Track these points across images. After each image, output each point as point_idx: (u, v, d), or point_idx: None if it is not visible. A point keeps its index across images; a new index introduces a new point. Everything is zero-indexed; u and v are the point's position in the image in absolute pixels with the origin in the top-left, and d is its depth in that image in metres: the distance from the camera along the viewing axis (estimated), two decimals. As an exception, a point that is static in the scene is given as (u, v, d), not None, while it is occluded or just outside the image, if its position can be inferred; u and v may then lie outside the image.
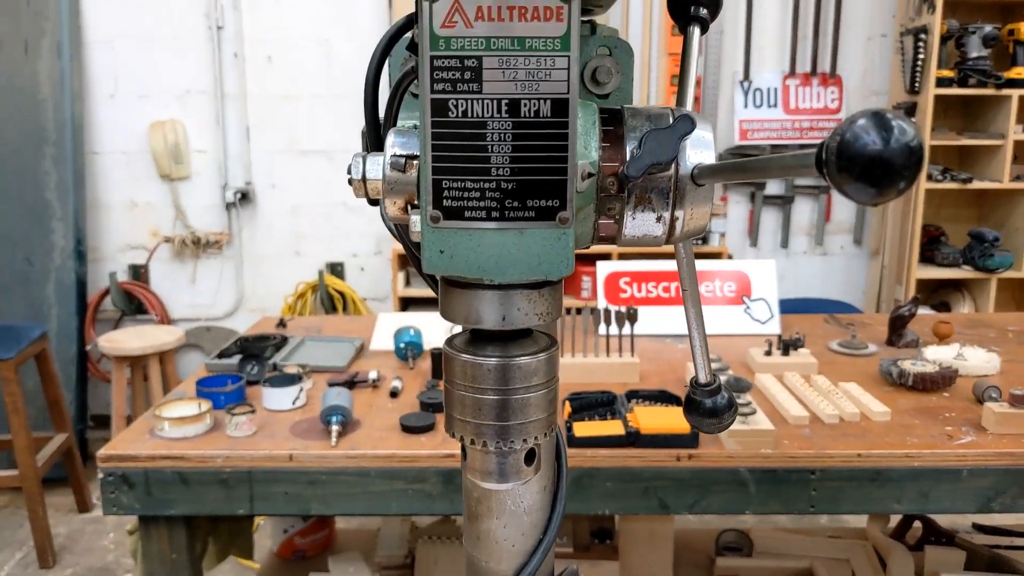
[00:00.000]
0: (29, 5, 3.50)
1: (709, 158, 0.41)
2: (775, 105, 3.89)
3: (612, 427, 1.53)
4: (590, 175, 0.40)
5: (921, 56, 3.48)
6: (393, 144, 0.42)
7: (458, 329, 0.45)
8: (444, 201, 0.39)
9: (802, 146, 3.87)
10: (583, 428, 1.53)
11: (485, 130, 0.38)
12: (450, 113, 0.38)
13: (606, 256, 3.59)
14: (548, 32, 0.36)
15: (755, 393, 1.73)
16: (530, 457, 0.44)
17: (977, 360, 1.87)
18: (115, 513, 1.55)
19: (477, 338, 0.44)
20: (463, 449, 0.44)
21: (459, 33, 0.36)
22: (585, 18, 0.57)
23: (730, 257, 3.87)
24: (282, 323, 2.42)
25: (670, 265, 2.39)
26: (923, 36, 3.44)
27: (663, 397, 1.66)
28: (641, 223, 0.42)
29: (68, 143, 3.54)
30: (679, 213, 0.42)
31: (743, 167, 0.37)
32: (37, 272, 3.57)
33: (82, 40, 3.70)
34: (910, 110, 3.58)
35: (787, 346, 1.94)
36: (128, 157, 3.83)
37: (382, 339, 2.19)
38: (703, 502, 1.49)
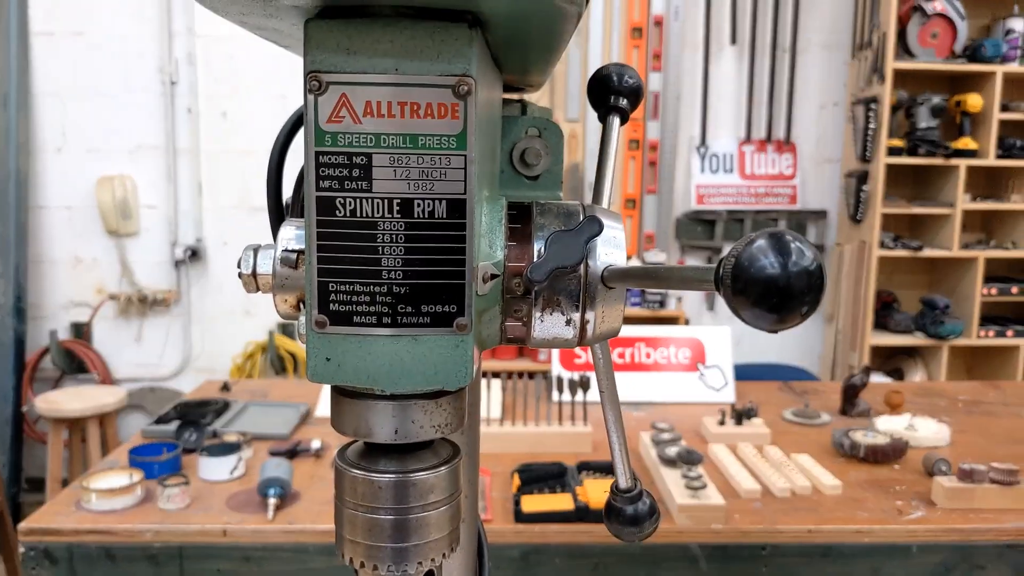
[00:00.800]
0: (-20, 57, 3.45)
1: (620, 259, 0.39)
2: (731, 170, 3.97)
3: (561, 501, 1.48)
4: (493, 276, 0.37)
5: (872, 125, 3.58)
6: (286, 237, 0.39)
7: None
8: (331, 305, 0.36)
9: (757, 212, 3.95)
10: (532, 503, 1.48)
11: (376, 230, 0.35)
12: (337, 212, 0.35)
13: (563, 318, 3.58)
14: (442, 130, 0.34)
15: (707, 465, 1.70)
16: None
17: (927, 431, 1.88)
18: (34, 593, 1.45)
19: (371, 450, 0.40)
20: (354, 572, 0.40)
21: (347, 128, 0.34)
22: (515, 97, 0.55)
23: (687, 321, 3.88)
24: (226, 387, 2.35)
25: (627, 331, 2.38)
26: (873, 106, 3.56)
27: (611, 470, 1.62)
28: (550, 326, 0.39)
29: (12, 197, 3.45)
30: (590, 315, 0.39)
31: (651, 274, 0.35)
32: (-27, 329, 3.44)
33: (30, 92, 3.64)
34: (862, 178, 3.68)
35: (740, 416, 1.92)
36: (73, 212, 3.74)
37: (329, 405, 2.13)
38: (654, 579, 1.45)
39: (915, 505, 1.51)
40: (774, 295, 0.26)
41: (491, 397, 2.02)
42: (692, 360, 2.32)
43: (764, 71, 3.88)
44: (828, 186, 4.01)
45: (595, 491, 1.49)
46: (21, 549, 1.43)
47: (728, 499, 1.49)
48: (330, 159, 0.34)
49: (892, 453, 1.72)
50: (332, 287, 0.36)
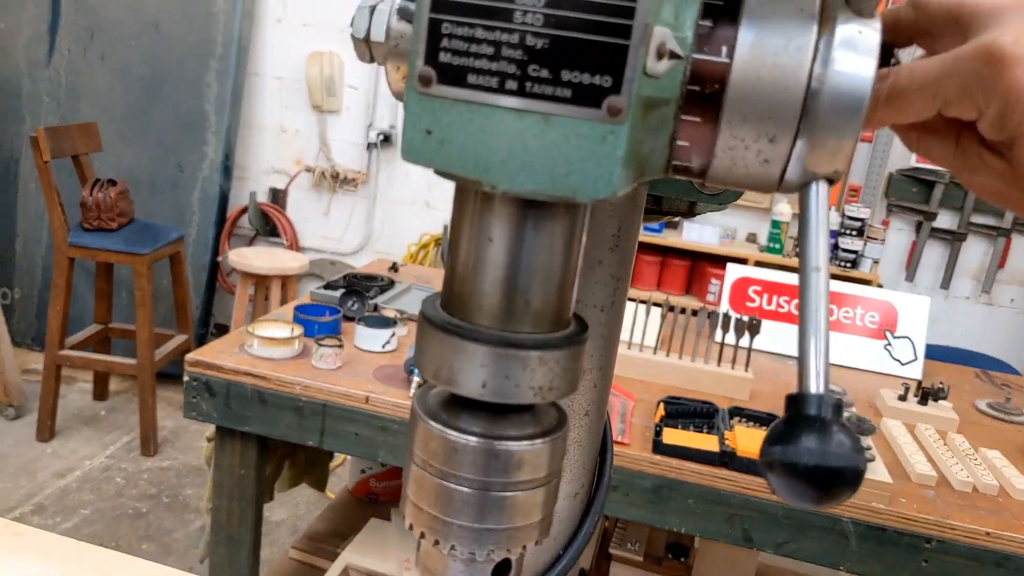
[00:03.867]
0: (221, -77, 3.63)
1: (865, 72, 0.27)
2: None
3: (706, 441, 1.38)
4: (673, 55, 0.26)
5: None
6: None
7: None
8: (441, 54, 0.26)
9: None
10: (673, 436, 1.39)
11: None
12: None
13: (742, 261, 3.37)
14: None
15: (878, 439, 1.53)
16: (502, 569, 0.32)
17: None
18: (193, 418, 1.56)
19: (455, 400, 0.31)
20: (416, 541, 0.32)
21: None
22: None
23: (880, 286, 3.55)
24: (395, 267, 2.40)
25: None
26: None
27: (770, 421, 1.49)
28: (744, 150, 0.27)
29: (232, 60, 3.66)
30: (803, 144, 0.27)
31: None
32: (185, 179, 3.75)
33: (260, -38, 3.80)
34: None
35: (927, 395, 1.71)
36: (284, 83, 3.93)
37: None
38: (793, 544, 1.33)
39: None
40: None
41: (648, 325, 1.92)
42: (880, 326, 2.10)
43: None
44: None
45: (746, 439, 1.37)
46: (186, 378, 1.54)
47: (896, 480, 1.33)
48: None
49: (1109, 471, 1.46)
50: (446, 28, 0.26)
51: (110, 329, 3.43)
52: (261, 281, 3.48)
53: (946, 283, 3.65)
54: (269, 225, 4.04)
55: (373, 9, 0.30)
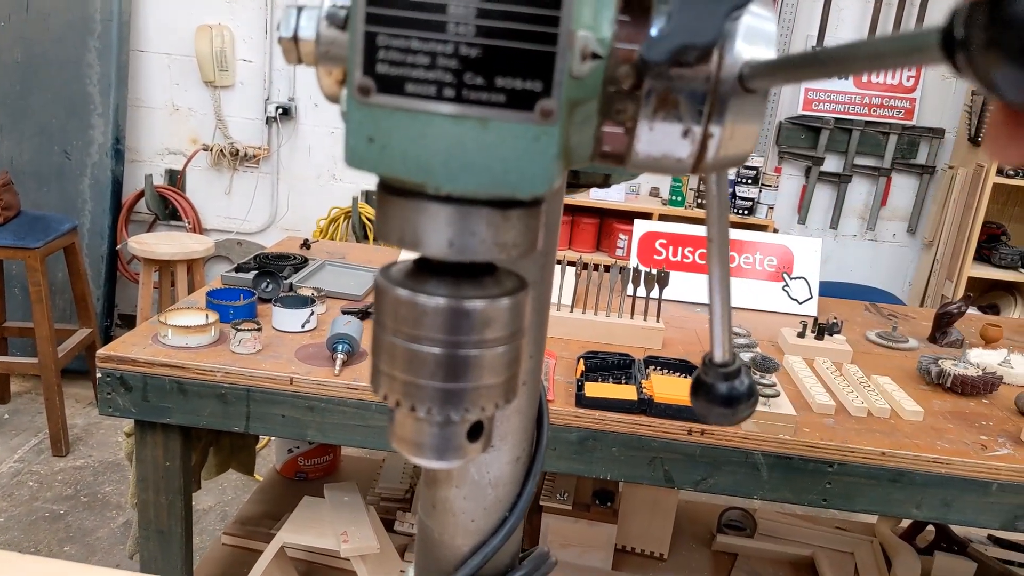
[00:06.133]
0: None
1: (766, 54, 0.29)
2: (846, 76, 3.68)
3: (625, 391, 1.45)
4: (595, 56, 0.28)
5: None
6: None
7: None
8: (379, 65, 0.27)
9: (867, 124, 3.68)
10: (594, 389, 1.46)
11: None
12: None
13: (647, 216, 3.48)
14: None
15: (781, 375, 1.64)
16: (475, 432, 0.34)
17: (1024, 369, 1.76)
18: (110, 415, 1.53)
19: (420, 268, 0.33)
20: (390, 412, 0.35)
21: None
22: None
23: (775, 232, 3.72)
24: (306, 244, 2.37)
25: (710, 231, 2.27)
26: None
27: (683, 367, 1.58)
28: (661, 136, 0.30)
29: (114, 37, 3.48)
30: (715, 128, 0.29)
31: (818, 59, 0.25)
32: (73, 166, 3.56)
33: (137, -67, 3.61)
34: (989, 97, 3.36)
35: (822, 330, 1.83)
36: (172, 59, 3.77)
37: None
38: (710, 480, 1.42)
39: (1001, 442, 1.42)
40: None
41: (563, 284, 1.98)
42: (778, 269, 2.22)
43: (902, -34, 3.52)
44: (951, 104, 3.69)
45: (661, 386, 1.45)
46: (98, 374, 1.50)
47: (800, 412, 1.44)
48: None
49: (983, 386, 1.62)
50: (382, 41, 0.27)
51: (5, 328, 3.26)
52: (165, 267, 3.37)
53: (835, 223, 3.87)
54: (169, 208, 3.90)
55: (300, 10, 0.31)
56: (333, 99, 0.32)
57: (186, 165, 3.89)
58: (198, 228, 3.92)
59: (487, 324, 0.31)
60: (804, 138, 3.74)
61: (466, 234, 0.30)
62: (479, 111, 0.27)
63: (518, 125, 0.27)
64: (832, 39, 3.65)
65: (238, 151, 3.81)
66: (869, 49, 0.22)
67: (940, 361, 1.68)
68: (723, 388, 0.40)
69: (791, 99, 3.71)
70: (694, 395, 0.41)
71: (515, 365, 0.33)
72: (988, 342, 1.98)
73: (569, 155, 0.30)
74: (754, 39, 0.29)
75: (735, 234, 2.26)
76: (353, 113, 0.28)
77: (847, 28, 3.65)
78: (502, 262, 0.32)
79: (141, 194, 3.84)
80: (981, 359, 1.77)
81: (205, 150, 3.85)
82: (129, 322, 3.92)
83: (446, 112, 0.28)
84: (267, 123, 3.80)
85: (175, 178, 3.92)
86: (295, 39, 0.31)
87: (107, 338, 3.70)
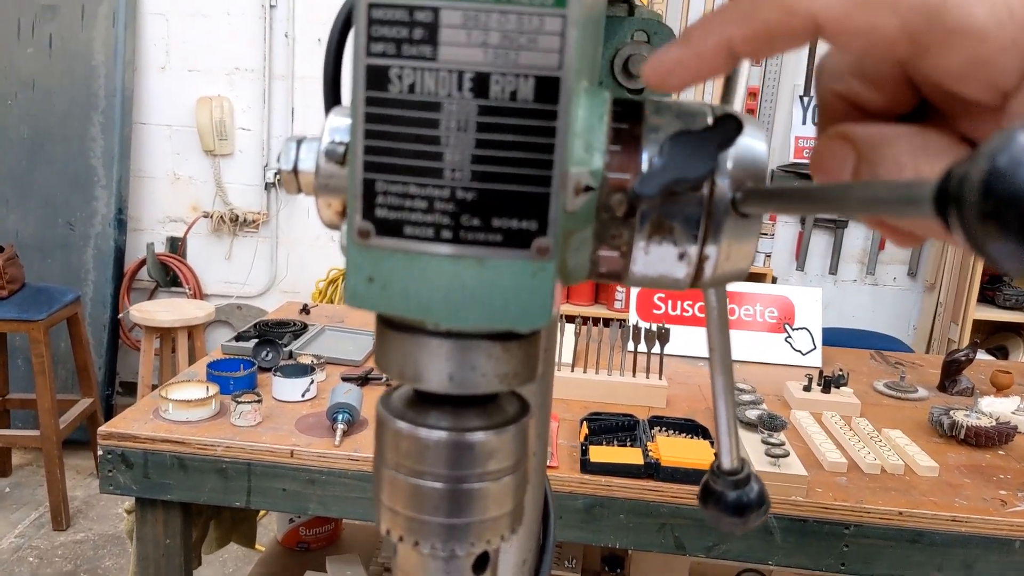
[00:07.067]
0: (91, -29, 3.51)
1: (759, 179, 0.29)
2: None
3: (631, 455, 1.43)
4: (588, 188, 0.28)
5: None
6: (334, 127, 0.31)
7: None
8: (378, 210, 0.28)
9: (863, 170, 3.70)
10: (599, 453, 1.43)
11: (439, 113, 0.27)
12: (392, 87, 0.27)
13: (647, 268, 3.48)
14: None
15: (789, 432, 1.61)
16: (481, 564, 0.33)
17: (1038, 417, 1.73)
18: (111, 492, 1.50)
19: (421, 399, 0.32)
20: (393, 546, 0.33)
21: None
22: None
23: (774, 280, 3.72)
24: (306, 309, 2.37)
25: (711, 284, 2.27)
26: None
27: (689, 427, 1.55)
28: (657, 260, 0.30)
29: (117, 111, 3.54)
30: (711, 250, 0.29)
31: (810, 195, 0.25)
32: (77, 237, 3.59)
33: (138, 10, 3.70)
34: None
35: (828, 383, 1.81)
36: (173, 131, 3.83)
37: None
38: (723, 546, 1.38)
39: (1021, 497, 1.38)
40: None
41: (563, 342, 1.97)
42: (779, 320, 2.21)
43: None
44: (946, 147, 3.71)
45: (668, 448, 1.42)
46: (100, 452, 1.48)
47: (811, 471, 1.41)
48: (386, 14, 0.26)
49: (997, 437, 1.59)
50: (380, 187, 0.28)
51: (7, 400, 3.24)
52: (166, 334, 3.37)
53: (834, 268, 3.86)
54: (170, 275, 3.91)
55: (300, 143, 0.32)
56: (333, 228, 0.32)
57: (187, 232, 3.92)
58: (199, 294, 3.92)
59: (491, 456, 0.31)
60: (800, 186, 3.76)
61: (466, 368, 0.30)
62: (476, 251, 0.28)
63: (515, 262, 0.28)
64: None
65: (237, 217, 3.84)
66: (861, 193, 0.22)
67: (952, 412, 1.66)
68: (733, 496, 0.39)
69: (782, 146, 3.75)
70: (703, 503, 0.41)
71: (521, 492, 0.32)
72: (999, 389, 1.95)
73: (566, 277, 0.31)
74: (746, 165, 0.29)
75: (735, 285, 2.25)
76: (353, 254, 0.29)
77: (837, 78, 3.70)
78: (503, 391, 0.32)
79: (143, 262, 3.85)
80: (993, 408, 1.75)
81: (205, 217, 3.88)
82: (130, 389, 3.90)
83: (444, 253, 0.28)
84: (266, 188, 3.83)
85: (176, 245, 3.94)
86: (295, 171, 0.31)
87: (108, 407, 3.67)
